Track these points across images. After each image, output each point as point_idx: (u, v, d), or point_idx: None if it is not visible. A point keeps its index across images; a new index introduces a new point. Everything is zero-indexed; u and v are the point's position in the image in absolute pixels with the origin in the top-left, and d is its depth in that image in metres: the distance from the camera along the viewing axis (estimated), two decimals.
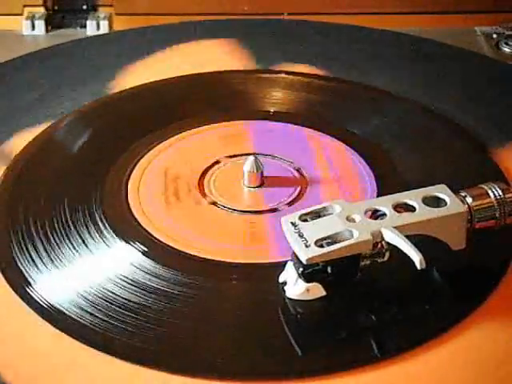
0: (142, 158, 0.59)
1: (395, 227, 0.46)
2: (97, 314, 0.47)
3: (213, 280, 0.49)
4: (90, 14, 0.81)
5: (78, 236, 0.52)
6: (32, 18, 0.79)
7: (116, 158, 0.58)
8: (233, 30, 0.75)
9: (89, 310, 0.47)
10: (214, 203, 0.55)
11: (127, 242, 0.51)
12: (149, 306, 0.47)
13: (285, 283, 0.47)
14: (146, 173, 0.57)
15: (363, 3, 0.82)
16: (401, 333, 0.46)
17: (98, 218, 0.53)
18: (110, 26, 0.80)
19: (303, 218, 0.47)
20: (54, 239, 0.52)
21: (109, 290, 0.48)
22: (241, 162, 0.57)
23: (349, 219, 0.46)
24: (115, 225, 0.53)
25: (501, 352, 0.45)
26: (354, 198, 0.54)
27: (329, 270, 0.46)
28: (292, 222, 0.47)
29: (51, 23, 0.80)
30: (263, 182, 0.56)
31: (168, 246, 0.51)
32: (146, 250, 0.51)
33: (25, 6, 0.80)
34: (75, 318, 0.46)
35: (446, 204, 0.47)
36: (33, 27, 0.79)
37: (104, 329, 0.46)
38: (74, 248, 0.51)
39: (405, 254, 0.45)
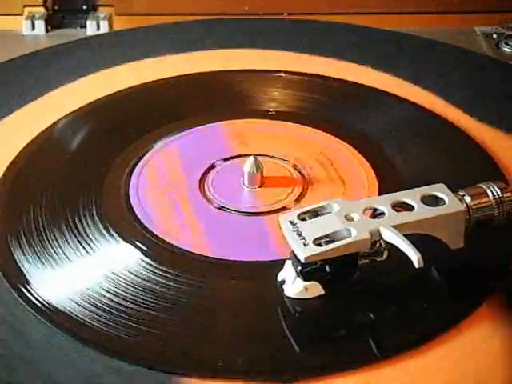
0: (142, 157, 0.59)
1: (394, 226, 0.46)
2: (97, 314, 0.47)
3: (213, 279, 0.49)
4: (90, 14, 0.81)
5: (77, 235, 0.52)
6: (32, 18, 0.79)
7: (116, 157, 0.59)
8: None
9: (89, 309, 0.47)
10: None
11: (127, 241, 0.51)
12: (148, 306, 0.47)
13: (283, 282, 0.47)
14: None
15: (363, 3, 0.82)
16: (400, 332, 0.46)
17: (97, 218, 0.53)
18: (110, 26, 0.80)
19: (302, 217, 0.47)
20: (54, 239, 0.52)
21: (108, 290, 0.48)
22: (240, 162, 0.57)
23: (347, 218, 0.46)
24: (115, 224, 0.53)
25: (500, 352, 0.45)
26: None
27: (327, 268, 0.46)
28: (290, 221, 0.47)
29: (51, 23, 0.80)
30: (263, 182, 0.56)
31: (168, 245, 0.51)
32: (146, 249, 0.51)
33: (25, 6, 0.80)
34: (75, 317, 0.46)
35: (444, 203, 0.47)
36: (33, 27, 0.79)
37: (104, 328, 0.46)
38: (74, 248, 0.51)
39: (403, 253, 0.45)
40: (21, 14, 0.80)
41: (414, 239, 0.45)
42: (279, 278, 0.48)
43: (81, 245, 0.51)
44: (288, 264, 0.47)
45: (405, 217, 0.47)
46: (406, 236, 0.45)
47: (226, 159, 0.59)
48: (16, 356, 0.45)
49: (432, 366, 0.44)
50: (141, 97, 0.66)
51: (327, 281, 0.46)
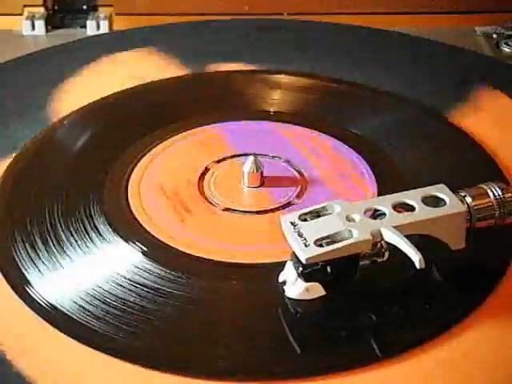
0: (142, 157, 0.59)
1: (395, 227, 0.46)
2: (97, 314, 0.47)
3: (213, 280, 0.49)
4: (90, 13, 0.81)
5: (78, 236, 0.52)
6: (32, 18, 0.79)
7: (117, 158, 0.58)
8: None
9: (89, 309, 0.47)
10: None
11: (127, 241, 0.51)
12: (149, 306, 0.47)
13: (284, 283, 0.47)
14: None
15: (363, 3, 0.82)
16: (401, 332, 0.46)
17: (97, 218, 0.53)
18: (110, 26, 0.80)
19: (303, 218, 0.47)
20: (55, 239, 0.52)
21: (109, 290, 0.48)
22: (240, 162, 0.57)
23: (348, 219, 0.46)
24: (115, 225, 0.52)
25: (500, 352, 0.45)
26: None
27: (328, 269, 0.46)
28: (291, 222, 0.47)
29: (51, 23, 0.80)
30: (263, 182, 0.56)
31: (168, 246, 0.51)
32: (146, 249, 0.51)
33: (25, 6, 0.80)
34: (75, 317, 0.46)
35: (445, 204, 0.47)
36: (33, 27, 0.79)
37: (104, 329, 0.46)
38: (74, 248, 0.51)
39: (404, 254, 0.45)
40: (21, 14, 0.80)
41: (415, 240, 0.45)
42: (280, 279, 0.48)
43: (81, 245, 0.51)
44: (289, 265, 0.47)
45: (406, 217, 0.47)
46: (407, 237, 0.45)
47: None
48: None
49: (433, 366, 0.44)
50: (141, 97, 0.66)
51: (328, 282, 0.46)
